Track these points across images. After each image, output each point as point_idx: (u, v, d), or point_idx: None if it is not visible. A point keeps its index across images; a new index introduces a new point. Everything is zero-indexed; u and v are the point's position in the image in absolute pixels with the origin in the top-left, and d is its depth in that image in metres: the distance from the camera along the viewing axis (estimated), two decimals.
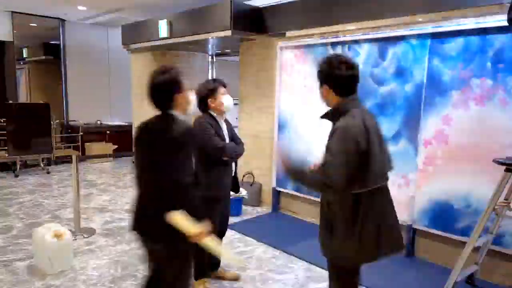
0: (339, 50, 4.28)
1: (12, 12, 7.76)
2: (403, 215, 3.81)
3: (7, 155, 6.81)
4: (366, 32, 4.05)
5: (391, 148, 3.89)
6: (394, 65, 3.85)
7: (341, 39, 4.25)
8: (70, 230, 3.64)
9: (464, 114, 3.40)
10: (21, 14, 7.88)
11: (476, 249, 3.02)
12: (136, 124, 8.21)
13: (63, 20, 8.42)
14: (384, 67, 3.93)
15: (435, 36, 3.53)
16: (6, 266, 3.41)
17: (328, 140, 1.96)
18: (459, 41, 3.39)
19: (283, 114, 5.00)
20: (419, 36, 3.63)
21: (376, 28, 3.94)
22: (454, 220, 3.47)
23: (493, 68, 3.21)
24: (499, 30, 3.15)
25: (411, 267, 3.64)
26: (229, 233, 4.34)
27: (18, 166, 6.96)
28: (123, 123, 9.15)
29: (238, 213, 5.00)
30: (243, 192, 4.91)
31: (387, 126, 3.92)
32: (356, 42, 4.13)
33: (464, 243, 3.46)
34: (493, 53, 3.20)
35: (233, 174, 3.09)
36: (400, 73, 3.80)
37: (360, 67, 4.07)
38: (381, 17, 3.83)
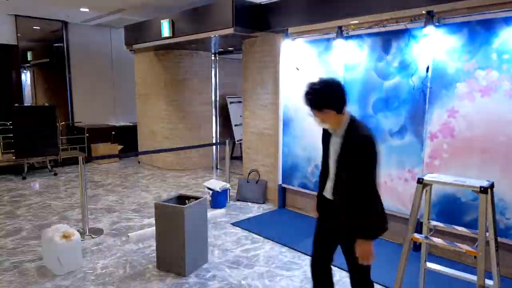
0: (342, 44, 4.26)
1: (16, 15, 7.82)
2: (409, 209, 3.80)
3: (14, 157, 6.87)
4: (370, 26, 4.02)
5: (397, 142, 3.89)
6: (398, 58, 3.82)
7: (344, 33, 4.23)
8: (78, 231, 3.66)
9: (470, 106, 3.37)
10: (24, 18, 7.94)
11: None
12: (141, 123, 8.25)
13: (66, 23, 8.46)
14: (388, 61, 3.90)
15: (439, 28, 3.50)
16: (16, 268, 3.45)
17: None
18: (464, 32, 3.36)
19: (287, 111, 4.99)
20: (423, 28, 3.60)
21: (379, 21, 3.92)
22: (461, 213, 3.45)
23: (498, 59, 3.18)
24: (505, 20, 3.12)
25: (418, 261, 3.62)
26: (236, 230, 4.37)
27: (25, 169, 7.03)
28: (128, 124, 9.20)
29: (223, 204, 5.16)
30: (227, 184, 5.23)
31: (392, 121, 3.91)
32: (359, 36, 4.11)
33: (472, 237, 3.45)
34: (498, 44, 3.17)
35: None
36: (404, 67, 3.78)
37: (364, 61, 4.10)
38: (384, 11, 3.81)
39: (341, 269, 3.44)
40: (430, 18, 3.42)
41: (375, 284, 3.19)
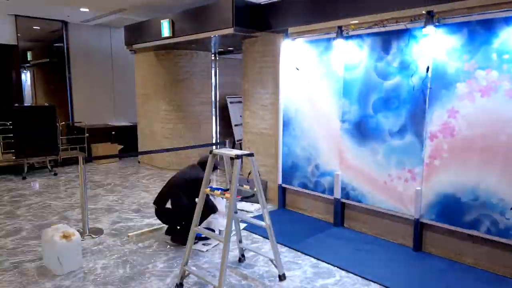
0: (342, 44, 4.26)
1: (16, 15, 7.82)
2: (410, 209, 3.80)
3: (14, 157, 6.87)
4: (370, 26, 4.02)
5: (397, 142, 3.88)
6: (398, 58, 3.82)
7: (344, 33, 4.23)
8: (78, 231, 3.66)
9: (470, 106, 3.37)
10: (25, 18, 7.93)
11: None
12: (140, 123, 8.25)
13: (66, 22, 8.46)
14: (388, 61, 3.90)
15: (439, 28, 3.50)
16: (16, 268, 3.44)
17: None
18: (464, 32, 3.36)
19: (287, 111, 4.99)
20: (423, 28, 3.60)
21: (379, 21, 3.91)
22: (461, 213, 3.45)
23: (498, 59, 3.18)
24: (505, 20, 3.12)
25: (418, 261, 3.63)
26: None
27: (25, 169, 7.02)
28: (128, 124, 9.20)
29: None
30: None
31: (392, 121, 3.91)
32: (359, 36, 4.11)
33: (472, 236, 3.45)
34: (499, 44, 3.17)
35: None
36: (404, 67, 3.78)
37: (364, 61, 4.10)
38: (384, 11, 3.80)
39: (341, 269, 3.45)
40: (430, 18, 3.42)
41: (374, 284, 3.20)
